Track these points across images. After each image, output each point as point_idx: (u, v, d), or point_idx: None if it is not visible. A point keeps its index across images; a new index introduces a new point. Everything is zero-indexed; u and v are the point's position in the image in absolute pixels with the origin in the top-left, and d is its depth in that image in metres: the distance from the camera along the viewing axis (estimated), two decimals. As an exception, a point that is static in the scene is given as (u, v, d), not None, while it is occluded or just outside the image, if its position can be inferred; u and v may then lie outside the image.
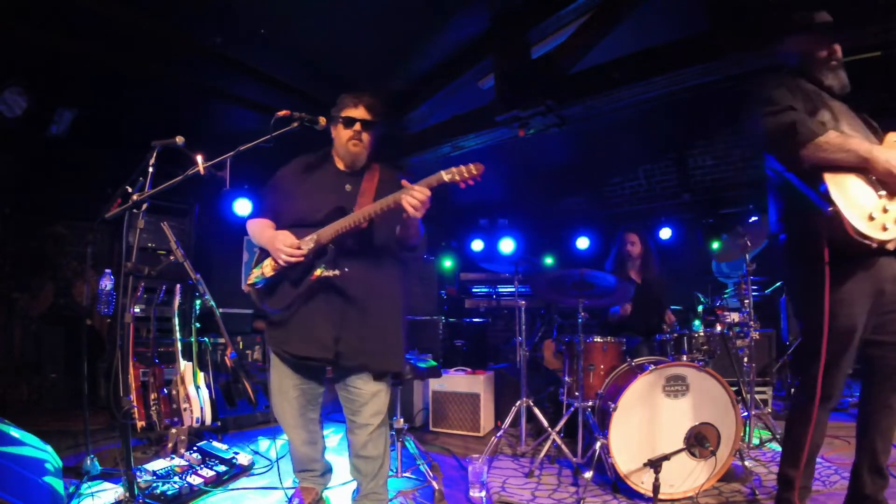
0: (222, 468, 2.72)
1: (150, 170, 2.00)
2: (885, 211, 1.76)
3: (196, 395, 3.00)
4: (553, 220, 6.88)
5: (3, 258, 4.28)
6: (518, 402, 3.27)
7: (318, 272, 1.89)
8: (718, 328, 3.32)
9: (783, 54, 2.12)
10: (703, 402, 2.51)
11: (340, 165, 2.13)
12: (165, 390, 3.02)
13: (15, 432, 2.18)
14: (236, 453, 2.88)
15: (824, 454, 2.99)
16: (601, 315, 4.06)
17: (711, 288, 4.77)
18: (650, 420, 2.50)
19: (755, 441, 3.28)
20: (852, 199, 1.76)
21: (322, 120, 1.99)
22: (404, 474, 2.76)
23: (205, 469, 2.67)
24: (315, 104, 2.16)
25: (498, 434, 3.18)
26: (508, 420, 3.21)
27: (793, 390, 4.17)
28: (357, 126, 2.02)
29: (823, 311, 1.81)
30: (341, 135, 2.06)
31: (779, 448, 3.13)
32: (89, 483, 2.50)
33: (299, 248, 1.92)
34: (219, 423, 3.32)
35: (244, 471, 2.81)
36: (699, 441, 2.44)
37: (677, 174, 6.22)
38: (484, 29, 4.06)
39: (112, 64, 3.62)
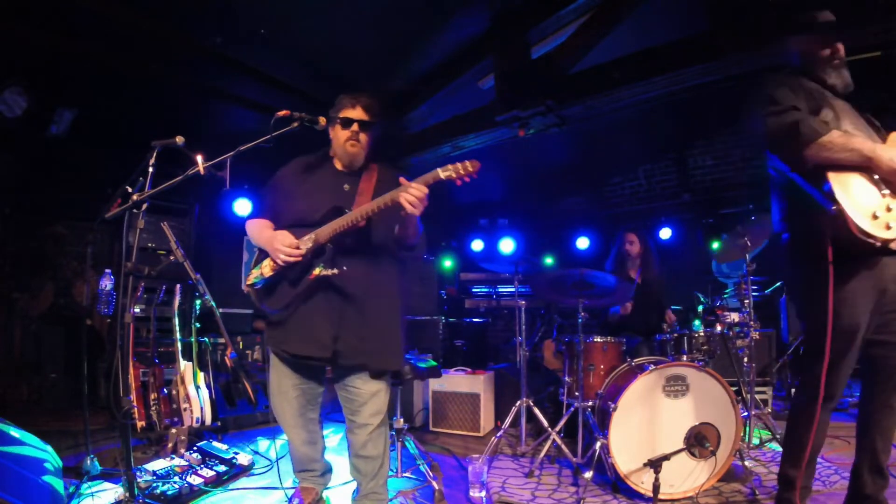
0: (222, 468, 2.72)
1: (150, 170, 2.00)
2: (889, 210, 1.76)
3: (196, 395, 3.00)
4: (553, 220, 6.89)
5: (3, 258, 4.28)
6: (518, 402, 3.27)
7: (316, 271, 1.89)
8: (718, 328, 3.32)
9: (786, 54, 2.12)
10: (703, 402, 2.51)
11: (339, 166, 2.13)
12: (165, 390, 3.02)
13: (15, 432, 2.18)
14: (236, 453, 2.88)
15: (824, 454, 2.99)
16: (601, 315, 4.06)
17: (711, 288, 4.78)
18: (650, 420, 2.50)
19: (755, 441, 3.28)
20: (856, 197, 1.76)
21: (322, 120, 2.00)
22: (404, 474, 2.76)
23: (205, 469, 2.67)
24: (315, 104, 2.16)
25: (498, 434, 3.18)
26: (508, 420, 3.21)
27: (793, 390, 4.20)
28: (354, 127, 2.03)
29: (827, 310, 1.81)
30: (339, 135, 2.06)
31: (779, 448, 3.13)
32: (89, 483, 2.50)
33: (298, 248, 1.92)
34: (219, 423, 3.32)
35: (244, 471, 2.81)
36: (699, 441, 2.44)
37: (677, 174, 6.23)
38: (484, 29, 4.06)
39: (112, 64, 3.62)
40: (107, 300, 3.25)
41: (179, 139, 2.00)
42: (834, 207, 1.75)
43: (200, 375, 3.10)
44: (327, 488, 2.43)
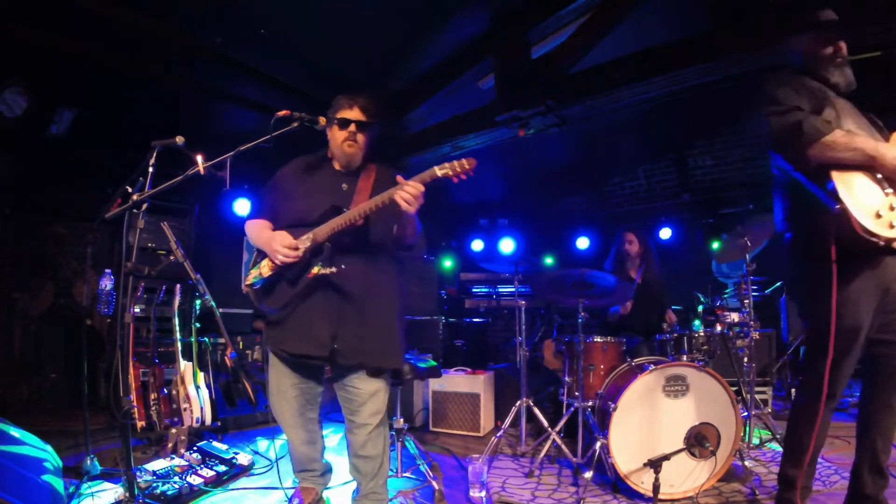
0: (222, 468, 2.72)
1: (150, 170, 2.00)
2: (892, 208, 1.76)
3: (196, 395, 3.00)
4: (553, 220, 6.89)
5: (3, 258, 4.28)
6: (518, 402, 3.27)
7: (315, 270, 1.90)
8: (718, 328, 3.32)
9: (788, 53, 2.12)
10: (703, 402, 2.51)
11: (337, 166, 2.14)
12: (165, 390, 3.02)
13: (15, 432, 2.18)
14: (236, 453, 2.88)
15: (824, 454, 2.99)
16: (601, 315, 4.06)
17: (711, 288, 4.78)
18: (650, 420, 2.50)
19: (755, 441, 3.28)
20: (859, 197, 1.76)
21: (322, 120, 2.01)
22: (404, 474, 2.76)
23: (205, 469, 2.67)
24: (315, 104, 2.16)
25: (498, 434, 3.18)
26: (508, 420, 3.21)
27: (793, 390, 4.20)
28: (352, 127, 2.04)
29: (831, 309, 1.81)
30: (337, 136, 2.07)
31: (779, 448, 3.13)
32: (89, 483, 2.50)
33: (296, 249, 1.93)
34: (219, 423, 3.32)
35: (244, 471, 2.81)
36: (699, 441, 2.44)
37: (677, 174, 6.22)
38: (484, 29, 4.06)
39: (112, 64, 3.62)
40: (107, 300, 3.25)
41: (179, 139, 2.00)
42: (837, 206, 1.75)
43: (200, 375, 3.10)
44: (327, 488, 2.43)
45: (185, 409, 2.95)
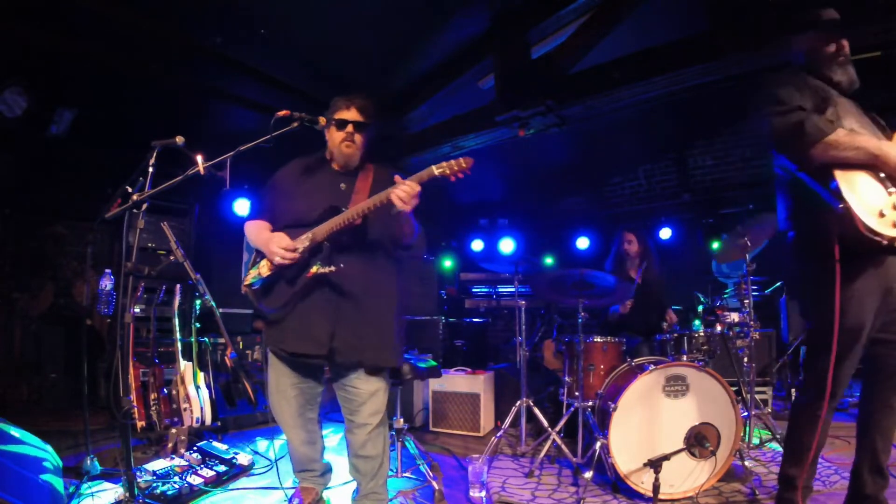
0: (222, 468, 2.72)
1: (150, 170, 2.00)
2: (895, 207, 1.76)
3: (196, 395, 3.00)
4: (553, 220, 6.89)
5: (3, 258, 4.28)
6: (518, 402, 3.27)
7: (313, 269, 1.91)
8: (718, 328, 3.31)
9: (791, 52, 2.12)
10: (703, 402, 2.51)
11: (335, 166, 2.15)
12: (165, 390, 3.02)
13: (15, 431, 2.18)
14: (236, 453, 2.88)
15: (824, 454, 2.99)
16: (601, 315, 4.06)
17: (711, 288, 4.77)
18: (650, 420, 2.50)
19: (755, 441, 3.27)
20: (862, 196, 1.76)
21: (322, 120, 2.02)
22: (404, 474, 2.76)
23: (205, 469, 2.67)
24: (315, 104, 2.16)
25: (498, 434, 3.18)
26: (508, 420, 3.21)
27: (793, 390, 4.20)
28: (349, 128, 2.05)
29: (834, 308, 1.81)
30: (334, 137, 2.08)
31: (779, 448, 3.13)
32: (89, 483, 2.50)
33: (293, 251, 1.94)
34: (219, 423, 3.32)
35: (244, 471, 2.81)
36: (699, 441, 2.44)
37: (677, 174, 6.23)
38: (484, 29, 4.06)
39: (112, 64, 3.62)
40: (107, 300, 3.25)
41: (179, 139, 2.00)
42: (841, 206, 1.74)
43: (200, 375, 3.10)
44: (327, 488, 2.43)
45: (185, 409, 2.95)
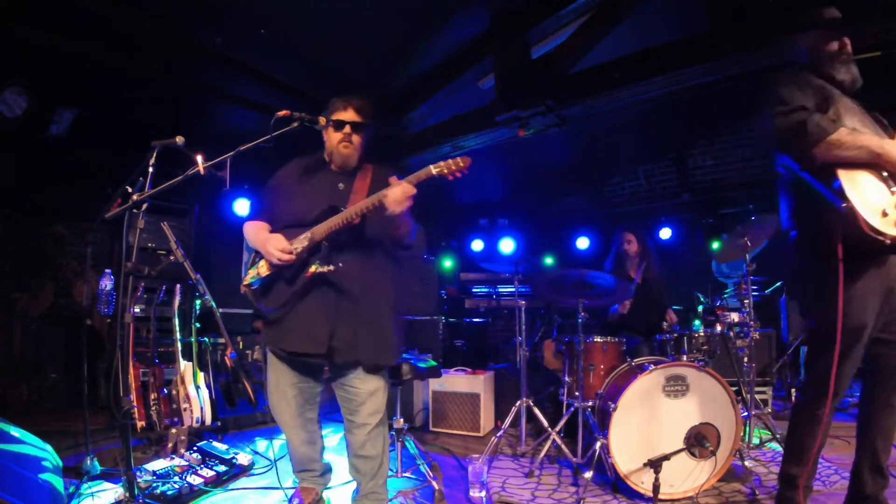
0: (222, 468, 2.72)
1: (150, 170, 2.01)
2: None
3: (196, 395, 3.00)
4: (553, 220, 6.89)
5: (3, 258, 4.28)
6: (518, 402, 3.27)
7: (312, 269, 1.92)
8: (718, 328, 3.32)
9: (793, 51, 2.12)
10: (703, 402, 2.51)
11: (334, 167, 2.15)
12: (165, 390, 3.02)
13: (14, 431, 2.18)
14: (236, 453, 2.88)
15: (824, 454, 2.98)
16: (601, 315, 4.06)
17: (711, 288, 4.78)
18: (650, 420, 2.50)
19: (755, 441, 3.27)
20: (865, 195, 1.76)
21: (322, 120, 2.03)
22: (404, 474, 2.76)
23: (205, 469, 2.67)
24: (315, 104, 2.16)
25: (498, 434, 3.18)
26: (508, 420, 3.21)
27: (793, 390, 4.20)
28: (347, 129, 2.06)
29: (837, 308, 1.81)
30: (332, 137, 2.09)
31: (779, 448, 3.13)
32: (89, 483, 2.50)
33: (291, 253, 1.95)
34: (219, 423, 3.32)
35: (244, 471, 2.81)
36: (699, 441, 2.44)
37: (677, 174, 6.23)
38: (484, 29, 4.06)
39: (112, 64, 3.62)
40: (107, 300, 3.25)
41: (179, 139, 2.00)
42: (844, 205, 1.74)
43: (200, 375, 3.10)
44: (327, 488, 2.43)
45: (185, 409, 2.95)
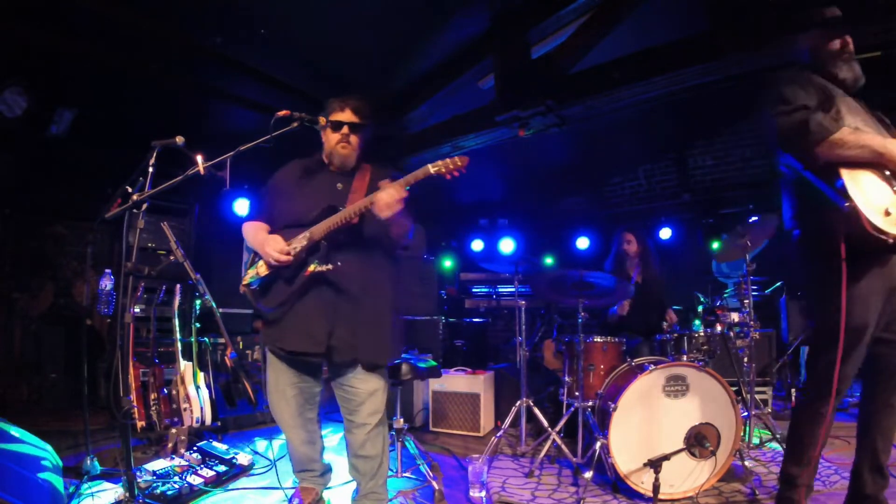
0: (222, 468, 2.72)
1: (150, 170, 2.01)
2: None
3: (196, 395, 3.00)
4: (553, 220, 6.89)
5: (3, 258, 4.28)
6: (518, 402, 3.26)
7: (311, 268, 1.92)
8: (718, 328, 3.32)
9: (795, 51, 2.12)
10: (703, 402, 2.51)
11: (332, 167, 2.16)
12: (165, 390, 3.02)
13: (14, 431, 2.18)
14: (236, 453, 2.88)
15: (824, 454, 2.98)
16: (601, 315, 4.06)
17: (711, 288, 4.77)
18: (650, 420, 2.50)
19: (755, 441, 3.28)
20: (868, 194, 1.76)
21: (322, 120, 2.03)
22: (404, 474, 2.76)
23: (205, 469, 2.67)
24: (315, 104, 2.16)
25: (498, 434, 3.18)
26: (508, 420, 3.21)
27: (793, 390, 4.20)
28: (345, 129, 2.06)
29: (840, 307, 1.81)
30: (330, 138, 2.10)
31: (779, 448, 3.13)
32: (89, 483, 2.50)
33: (288, 254, 1.95)
34: (219, 423, 3.32)
35: (244, 471, 2.81)
36: (699, 441, 2.44)
37: (677, 174, 6.23)
38: (484, 29, 4.06)
39: (112, 64, 3.62)
40: (107, 300, 3.25)
41: (179, 139, 2.00)
42: (847, 204, 1.74)
43: (200, 375, 3.10)
44: (327, 488, 2.43)
45: (185, 409, 2.95)
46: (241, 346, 4.17)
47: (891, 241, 1.73)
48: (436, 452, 3.31)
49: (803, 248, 2.00)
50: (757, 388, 3.84)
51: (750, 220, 3.45)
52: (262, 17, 3.48)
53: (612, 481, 2.58)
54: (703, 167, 6.04)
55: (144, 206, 1.98)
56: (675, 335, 3.12)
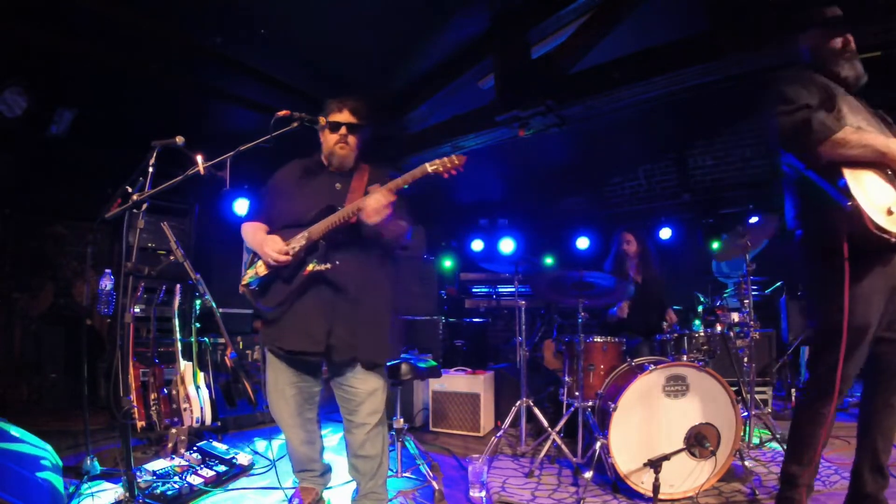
0: (222, 468, 2.72)
1: (150, 170, 2.01)
2: None
3: (196, 395, 3.00)
4: (553, 220, 6.89)
5: (3, 258, 4.28)
6: (518, 402, 3.26)
7: (309, 267, 1.93)
8: (718, 328, 3.32)
9: (796, 50, 2.12)
10: (703, 402, 2.51)
11: (331, 168, 2.16)
12: (165, 390, 3.02)
13: (14, 430, 2.18)
14: (236, 453, 2.88)
15: (824, 454, 2.98)
16: (601, 315, 4.06)
17: (711, 288, 4.77)
18: (650, 420, 2.50)
19: (755, 441, 3.27)
20: (871, 193, 1.76)
21: (322, 120, 2.03)
22: (404, 474, 2.76)
23: (205, 469, 2.67)
24: (315, 104, 2.16)
25: (498, 434, 3.18)
26: (508, 420, 3.21)
27: (793, 390, 4.20)
28: (342, 130, 2.07)
29: (843, 307, 1.80)
30: (328, 139, 2.11)
31: (779, 448, 3.13)
32: (89, 483, 2.50)
33: (287, 254, 1.95)
34: (219, 423, 3.32)
35: (244, 471, 2.81)
36: (699, 441, 2.44)
37: (677, 174, 6.23)
38: (484, 29, 4.06)
39: (112, 64, 3.62)
40: (107, 300, 3.25)
41: (179, 139, 2.00)
42: (850, 203, 1.74)
43: (200, 375, 3.10)
44: (327, 488, 2.43)
45: (185, 409, 2.95)
46: (241, 346, 4.17)
47: (893, 240, 1.73)
48: (436, 452, 3.31)
49: (806, 247, 2.00)
50: (757, 388, 3.84)
51: (750, 220, 3.46)
52: (262, 17, 3.48)
53: (612, 481, 2.58)
54: (703, 167, 6.03)
55: (144, 206, 1.98)
56: (675, 335, 3.12)
